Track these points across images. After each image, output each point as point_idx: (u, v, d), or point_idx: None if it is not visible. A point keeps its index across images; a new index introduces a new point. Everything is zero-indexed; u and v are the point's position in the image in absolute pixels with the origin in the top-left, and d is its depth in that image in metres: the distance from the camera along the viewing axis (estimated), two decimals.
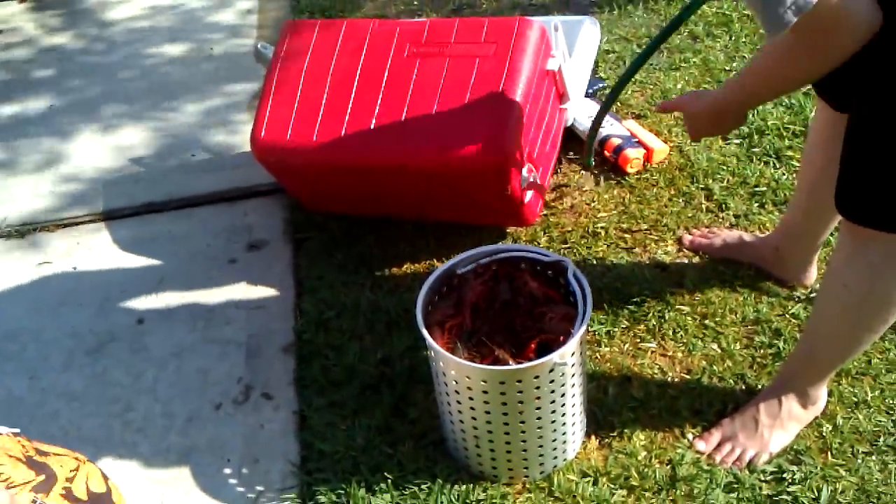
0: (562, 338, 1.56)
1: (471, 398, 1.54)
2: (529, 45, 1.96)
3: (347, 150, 1.99)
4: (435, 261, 2.16)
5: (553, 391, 1.54)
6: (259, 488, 1.73)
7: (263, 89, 2.11)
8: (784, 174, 2.28)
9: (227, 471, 1.76)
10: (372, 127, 1.97)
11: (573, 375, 1.57)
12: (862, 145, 1.37)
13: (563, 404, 1.58)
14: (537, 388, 1.51)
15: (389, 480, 1.67)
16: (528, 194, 2.05)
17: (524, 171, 1.99)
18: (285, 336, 2.03)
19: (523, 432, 1.58)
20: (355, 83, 2.03)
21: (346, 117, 2.00)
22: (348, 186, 2.12)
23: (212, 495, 1.73)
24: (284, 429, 1.83)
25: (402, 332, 1.98)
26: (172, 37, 3.25)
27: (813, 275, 1.99)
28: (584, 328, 1.51)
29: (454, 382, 1.55)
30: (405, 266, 2.15)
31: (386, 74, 2.02)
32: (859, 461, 1.67)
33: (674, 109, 1.80)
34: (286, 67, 2.10)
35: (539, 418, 1.56)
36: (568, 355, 1.51)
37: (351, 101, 2.02)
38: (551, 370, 1.51)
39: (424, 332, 1.53)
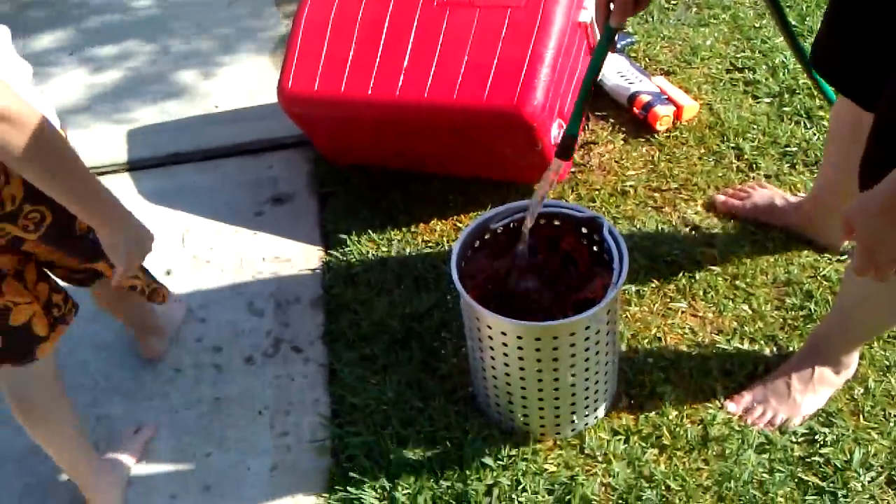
0: (597, 297, 1.54)
1: (505, 354, 1.54)
2: None
3: (376, 101, 1.96)
4: (462, 216, 2.14)
5: (588, 349, 1.53)
6: (291, 440, 1.74)
7: (290, 38, 2.07)
8: (815, 134, 2.25)
9: (259, 422, 1.77)
10: (401, 78, 1.94)
11: (608, 333, 1.57)
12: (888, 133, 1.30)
13: (598, 362, 1.58)
14: (572, 345, 1.51)
15: (421, 435, 1.68)
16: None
17: (555, 127, 1.97)
18: (313, 290, 2.02)
19: (556, 389, 1.58)
20: (384, 33, 2.00)
21: (375, 68, 1.97)
22: (376, 138, 2.10)
23: (244, 445, 1.74)
24: (314, 382, 1.83)
25: (429, 287, 1.98)
26: None
27: (843, 241, 1.96)
28: (619, 286, 1.50)
29: (489, 338, 1.54)
30: (432, 222, 2.14)
31: (415, 24, 1.98)
32: (891, 424, 1.67)
33: (849, 229, 1.18)
34: (313, 16, 2.06)
35: (573, 375, 1.56)
36: (604, 313, 1.50)
37: (379, 52, 1.98)
38: (587, 327, 1.50)
39: (459, 285, 1.52)
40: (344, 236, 2.12)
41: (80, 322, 1.98)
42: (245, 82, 2.66)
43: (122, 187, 2.32)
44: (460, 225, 2.12)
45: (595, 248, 1.66)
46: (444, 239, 2.09)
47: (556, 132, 1.97)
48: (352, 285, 2.00)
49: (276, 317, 1.98)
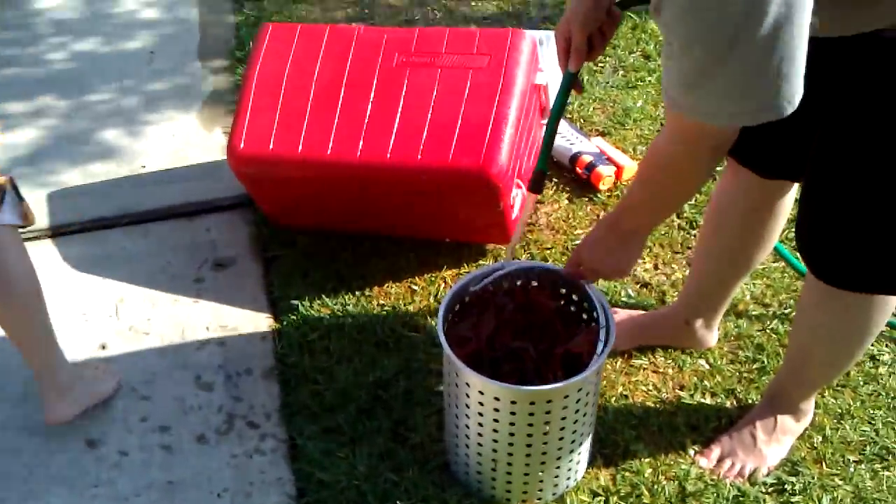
0: (583, 352, 1.52)
1: (496, 420, 1.49)
2: (523, 57, 1.94)
3: (336, 162, 1.90)
4: (417, 279, 2.10)
5: (577, 410, 1.51)
6: None
7: (241, 96, 2.00)
8: None
9: None
10: (362, 139, 1.90)
11: (594, 393, 1.55)
12: (831, 207, 1.38)
13: (585, 423, 1.56)
14: (565, 407, 1.48)
15: None
16: (516, 210, 2.02)
17: (515, 189, 1.96)
18: (265, 360, 1.92)
19: (544, 454, 1.54)
20: (342, 92, 1.96)
21: (334, 128, 1.93)
22: (332, 199, 2.04)
23: None
24: (275, 459, 1.73)
25: (391, 353, 1.91)
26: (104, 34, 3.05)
27: (716, 336, 1.93)
28: (611, 343, 1.49)
29: (479, 404, 1.49)
30: (386, 285, 2.08)
31: (374, 83, 1.95)
32: (851, 470, 1.72)
33: (576, 266, 1.57)
34: (266, 72, 2.00)
35: (561, 439, 1.53)
36: (595, 373, 1.49)
37: (338, 111, 1.94)
38: (580, 389, 1.47)
39: (450, 352, 1.47)
40: (294, 302, 2.03)
41: (6, 405, 1.82)
42: (172, 141, 2.55)
43: (46, 255, 2.16)
44: (415, 287, 2.07)
45: (573, 308, 1.65)
46: (401, 302, 2.04)
47: (515, 193, 1.97)
48: (308, 353, 1.91)
49: (226, 390, 1.86)
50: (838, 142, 1.33)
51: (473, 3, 3.14)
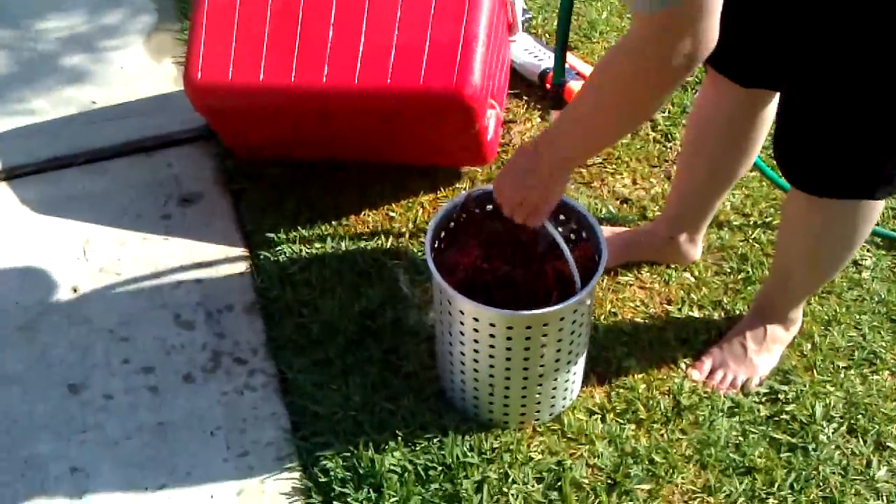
0: (573, 275, 1.49)
1: (491, 346, 1.48)
2: None
3: (300, 89, 1.82)
4: (394, 205, 2.05)
5: (573, 331, 1.50)
6: (252, 459, 1.60)
7: (192, 23, 1.89)
8: None
9: (213, 445, 1.62)
10: (326, 63, 1.82)
11: (588, 313, 1.54)
12: (809, 114, 1.36)
13: (580, 343, 1.55)
14: (560, 329, 1.47)
15: (399, 438, 1.59)
16: (490, 131, 1.97)
17: (489, 109, 1.91)
18: (246, 295, 1.87)
19: (541, 376, 1.53)
20: (300, 12, 1.86)
21: (296, 53, 1.83)
22: (298, 129, 1.96)
23: (201, 472, 1.59)
24: (267, 394, 1.70)
25: (374, 282, 1.87)
26: None
27: (700, 249, 1.92)
28: (604, 260, 1.47)
29: (473, 331, 1.47)
30: (364, 213, 2.03)
31: (334, 2, 1.85)
32: (842, 376, 1.75)
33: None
34: None
35: (557, 360, 1.52)
36: (589, 292, 1.47)
37: (298, 33, 1.84)
38: (575, 310, 1.46)
39: (441, 280, 1.44)
40: (269, 235, 1.97)
41: None
42: (121, 74, 2.42)
43: (3, 199, 2.05)
44: (392, 214, 2.03)
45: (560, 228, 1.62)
46: (380, 230, 1.99)
47: (489, 113, 1.92)
48: (290, 287, 1.86)
49: (209, 328, 1.81)
50: (818, 50, 1.31)
51: None
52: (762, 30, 1.42)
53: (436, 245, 1.57)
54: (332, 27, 1.83)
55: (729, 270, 1.94)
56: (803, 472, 1.61)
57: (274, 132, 1.99)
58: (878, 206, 1.46)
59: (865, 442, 1.66)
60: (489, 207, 1.59)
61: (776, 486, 1.59)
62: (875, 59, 1.25)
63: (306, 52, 1.82)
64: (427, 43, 1.79)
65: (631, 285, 1.90)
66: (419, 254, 1.94)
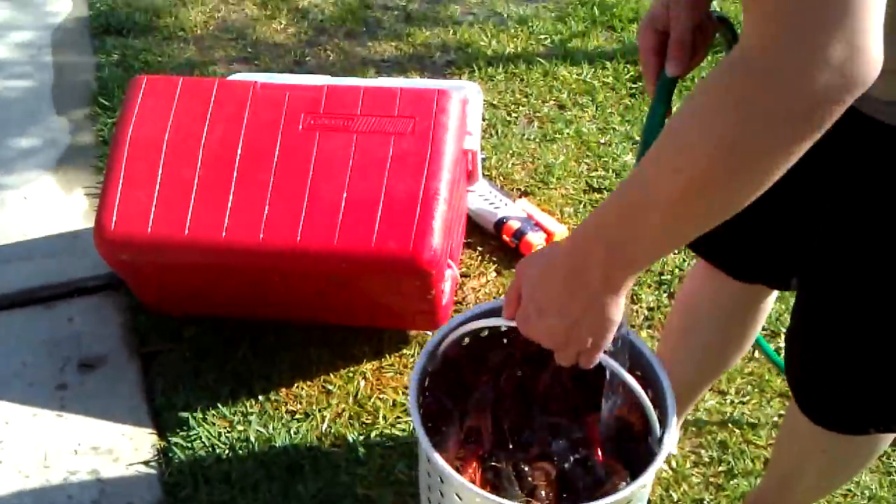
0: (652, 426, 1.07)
1: None
2: (451, 121, 1.67)
3: (233, 246, 1.58)
4: (331, 375, 1.78)
5: None
6: None
7: (110, 164, 1.64)
8: (684, 259, 2.15)
9: None
10: (264, 218, 1.58)
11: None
12: (835, 338, 1.10)
13: None
14: None
15: None
16: (447, 295, 1.74)
17: (447, 271, 1.69)
18: (151, 492, 1.56)
19: None
20: (237, 160, 1.63)
21: (230, 205, 1.60)
22: (228, 287, 1.70)
23: None
24: None
25: (307, 477, 1.59)
26: None
27: (677, 437, 1.66)
28: (674, 421, 1.06)
29: None
30: (296, 384, 1.76)
31: (277, 150, 1.64)
32: None
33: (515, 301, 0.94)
34: (141, 136, 1.65)
35: None
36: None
37: (234, 183, 1.61)
38: (643, 486, 1.04)
39: (447, 468, 1.00)
40: (184, 414, 1.67)
41: None
42: (24, 206, 2.14)
43: None
44: (330, 387, 1.76)
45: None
46: (315, 407, 1.72)
47: (447, 275, 1.69)
48: (204, 483, 1.56)
49: None
50: (843, 253, 1.06)
51: (370, 44, 2.85)
52: (763, 217, 1.19)
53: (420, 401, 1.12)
54: (273, 177, 1.61)
55: (709, 460, 1.72)
56: None
57: (196, 291, 1.72)
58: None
59: None
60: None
61: None
62: None
63: (242, 205, 1.59)
64: (381, 200, 1.58)
65: None
66: (360, 437, 1.67)
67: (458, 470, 1.06)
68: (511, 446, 1.14)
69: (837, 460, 1.30)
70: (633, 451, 1.11)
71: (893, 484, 1.71)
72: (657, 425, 1.05)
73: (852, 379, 1.10)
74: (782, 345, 1.46)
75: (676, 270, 2.12)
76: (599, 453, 1.13)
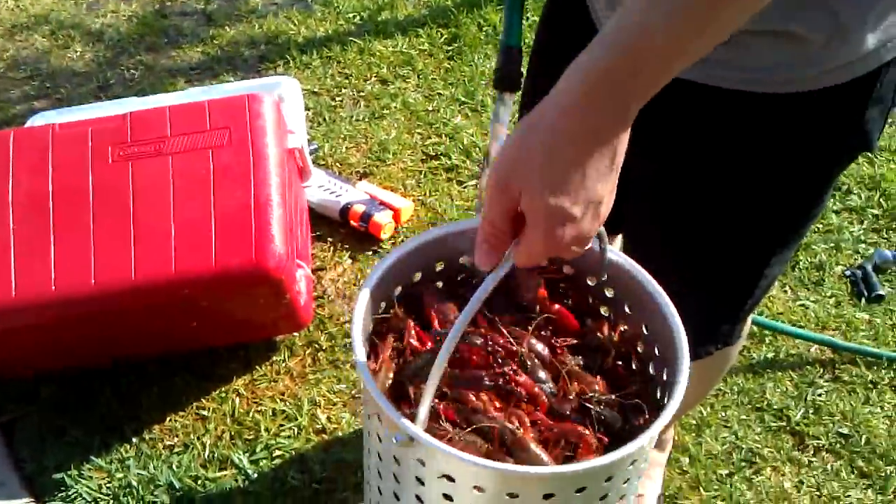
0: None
1: None
2: (269, 125, 1.65)
3: (64, 299, 1.51)
4: (203, 401, 1.75)
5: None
6: None
7: None
8: None
9: None
10: (93, 261, 1.52)
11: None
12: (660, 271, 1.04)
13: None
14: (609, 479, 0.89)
15: None
16: (304, 294, 1.73)
17: (298, 271, 1.68)
18: None
19: None
20: (50, 208, 1.56)
21: (52, 255, 1.53)
22: (70, 338, 1.63)
23: None
24: None
25: None
26: None
27: None
28: (684, 355, 0.92)
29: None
30: (168, 419, 1.71)
31: (91, 189, 1.58)
32: (728, 486, 1.65)
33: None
34: None
35: None
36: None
37: (52, 233, 1.54)
38: (633, 461, 0.91)
39: (409, 425, 0.84)
40: (58, 475, 1.61)
41: None
42: None
43: None
44: (204, 413, 1.73)
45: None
46: (192, 437, 1.68)
47: (298, 275, 1.68)
48: None
49: None
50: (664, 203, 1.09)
51: (174, 54, 2.76)
52: None
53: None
54: (92, 218, 1.55)
55: None
56: None
57: (38, 350, 1.65)
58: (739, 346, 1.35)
59: None
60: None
61: None
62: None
63: (65, 255, 1.53)
64: (213, 217, 1.55)
65: None
66: (245, 455, 1.65)
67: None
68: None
69: (703, 382, 1.39)
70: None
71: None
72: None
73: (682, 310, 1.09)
74: None
75: None
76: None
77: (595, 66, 0.67)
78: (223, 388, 1.77)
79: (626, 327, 1.03)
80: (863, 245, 2.14)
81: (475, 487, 0.86)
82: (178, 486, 1.58)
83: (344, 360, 1.82)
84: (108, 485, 1.59)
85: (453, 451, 0.84)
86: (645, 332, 1.00)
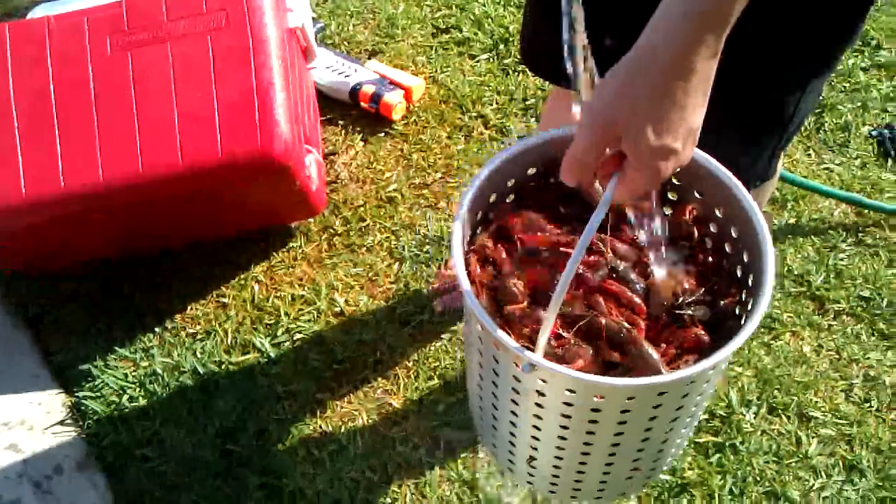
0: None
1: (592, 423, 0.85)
2: (265, 3, 1.59)
3: (74, 192, 1.50)
4: (223, 288, 1.77)
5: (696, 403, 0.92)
6: None
7: None
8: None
9: None
10: (98, 153, 1.51)
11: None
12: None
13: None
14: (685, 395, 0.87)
15: None
16: (315, 179, 1.72)
17: (307, 157, 1.66)
18: (75, 449, 1.56)
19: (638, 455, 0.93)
20: (53, 103, 1.54)
21: (59, 151, 1.51)
22: (83, 233, 1.64)
23: None
24: None
25: (225, 391, 1.60)
26: None
27: None
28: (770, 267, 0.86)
29: (564, 405, 0.84)
30: (190, 308, 1.74)
31: (92, 81, 1.54)
32: (746, 352, 1.64)
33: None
34: None
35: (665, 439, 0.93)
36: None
37: (56, 129, 1.53)
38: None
39: (499, 333, 0.81)
40: (85, 366, 1.65)
41: None
42: None
43: None
44: (224, 300, 1.75)
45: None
46: (214, 324, 1.71)
47: (308, 161, 1.66)
48: (123, 425, 1.56)
49: (39, 500, 1.49)
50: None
51: None
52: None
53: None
54: (95, 110, 1.53)
55: None
56: (738, 472, 1.49)
57: (54, 247, 1.66)
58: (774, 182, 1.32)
59: (789, 418, 1.56)
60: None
61: (716, 497, 1.46)
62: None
63: (71, 149, 1.51)
64: (216, 104, 1.52)
65: None
66: (267, 339, 1.68)
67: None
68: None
69: None
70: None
71: None
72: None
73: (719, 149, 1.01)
74: None
75: (539, 92, 2.12)
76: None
77: (701, 5, 0.69)
78: (242, 276, 1.78)
79: (697, 210, 0.98)
80: (892, 104, 2.06)
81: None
82: (202, 371, 1.62)
83: (359, 244, 1.82)
84: (133, 373, 1.63)
85: (579, 375, 0.80)
86: (718, 214, 0.96)
